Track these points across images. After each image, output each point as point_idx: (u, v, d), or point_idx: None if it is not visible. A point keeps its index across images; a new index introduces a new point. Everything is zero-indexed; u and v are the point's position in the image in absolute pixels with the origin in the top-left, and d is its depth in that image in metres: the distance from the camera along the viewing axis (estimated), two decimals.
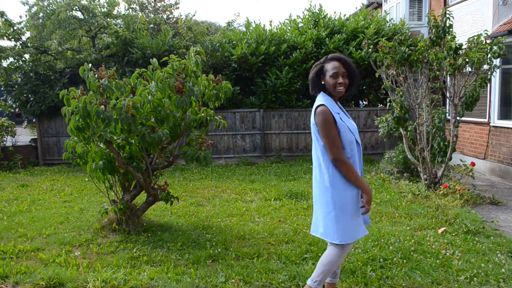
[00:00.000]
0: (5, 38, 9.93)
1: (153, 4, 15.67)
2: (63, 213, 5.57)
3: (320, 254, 3.74)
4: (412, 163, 6.73)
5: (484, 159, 8.14)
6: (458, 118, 5.93)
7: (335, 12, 16.86)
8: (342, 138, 2.53)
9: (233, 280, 3.29)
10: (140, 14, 14.27)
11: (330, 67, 2.57)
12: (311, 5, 11.28)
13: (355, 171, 2.53)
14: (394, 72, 6.16)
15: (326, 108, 2.52)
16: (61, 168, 9.77)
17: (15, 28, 9.99)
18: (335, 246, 2.63)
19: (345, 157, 2.51)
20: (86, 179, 8.04)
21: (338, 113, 2.57)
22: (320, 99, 2.59)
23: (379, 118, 7.56)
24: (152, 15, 14.84)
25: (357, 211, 2.58)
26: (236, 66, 10.20)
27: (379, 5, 14.13)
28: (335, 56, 2.60)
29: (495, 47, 5.41)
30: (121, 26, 10.48)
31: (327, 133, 2.50)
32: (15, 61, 9.99)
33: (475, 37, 5.62)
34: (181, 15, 15.78)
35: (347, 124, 2.58)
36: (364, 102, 11.77)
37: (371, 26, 10.21)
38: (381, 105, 10.54)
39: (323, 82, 2.63)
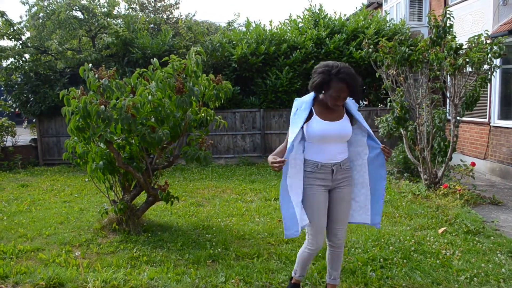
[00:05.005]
0: (5, 38, 9.93)
1: (153, 4, 15.66)
2: (63, 213, 5.57)
3: (320, 254, 3.68)
4: (412, 163, 6.72)
5: (484, 159, 8.13)
6: (458, 118, 5.92)
7: (335, 12, 16.84)
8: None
9: (233, 280, 3.29)
10: (140, 14, 14.26)
11: (335, 87, 2.51)
12: (311, 5, 11.27)
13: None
14: (395, 72, 6.16)
15: (294, 104, 2.71)
16: (61, 168, 9.76)
17: (15, 28, 9.98)
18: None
19: (289, 155, 2.53)
20: (86, 179, 8.04)
21: (297, 109, 2.65)
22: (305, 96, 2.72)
23: (379, 118, 7.56)
24: (152, 15, 14.83)
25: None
26: (236, 66, 10.20)
27: (379, 5, 14.12)
28: (344, 77, 2.48)
29: (495, 47, 5.40)
30: (121, 26, 10.47)
31: None
32: (15, 61, 9.98)
33: (476, 37, 5.61)
34: (181, 15, 15.76)
35: (295, 124, 2.61)
36: (365, 102, 11.78)
37: (371, 26, 10.21)
38: (382, 105, 10.53)
39: (323, 91, 2.61)
